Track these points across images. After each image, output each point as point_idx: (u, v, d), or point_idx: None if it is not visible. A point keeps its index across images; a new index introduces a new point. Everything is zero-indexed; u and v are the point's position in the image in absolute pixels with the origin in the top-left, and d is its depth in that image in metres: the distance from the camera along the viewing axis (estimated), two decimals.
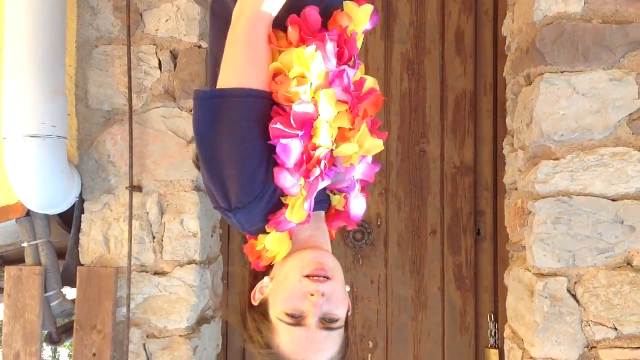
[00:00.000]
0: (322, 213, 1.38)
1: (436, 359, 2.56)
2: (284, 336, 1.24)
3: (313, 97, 1.23)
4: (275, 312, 1.25)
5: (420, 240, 2.60)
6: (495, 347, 2.47)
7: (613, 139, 1.95)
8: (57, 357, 9.71)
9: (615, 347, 1.93)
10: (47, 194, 2.12)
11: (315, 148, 1.23)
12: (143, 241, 2.21)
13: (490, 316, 2.50)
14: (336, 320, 1.24)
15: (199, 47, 2.22)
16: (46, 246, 2.26)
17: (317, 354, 1.24)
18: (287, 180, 1.22)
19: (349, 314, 1.33)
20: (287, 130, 1.20)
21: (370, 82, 1.32)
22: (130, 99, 2.18)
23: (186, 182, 2.20)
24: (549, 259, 1.96)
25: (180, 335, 2.21)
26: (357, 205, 1.37)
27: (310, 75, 1.22)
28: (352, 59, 1.28)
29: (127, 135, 2.18)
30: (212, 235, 2.41)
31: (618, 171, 1.94)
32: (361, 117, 1.26)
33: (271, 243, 1.29)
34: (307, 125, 1.22)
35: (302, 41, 1.24)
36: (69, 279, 2.29)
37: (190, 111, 2.21)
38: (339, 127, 1.26)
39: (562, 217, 1.95)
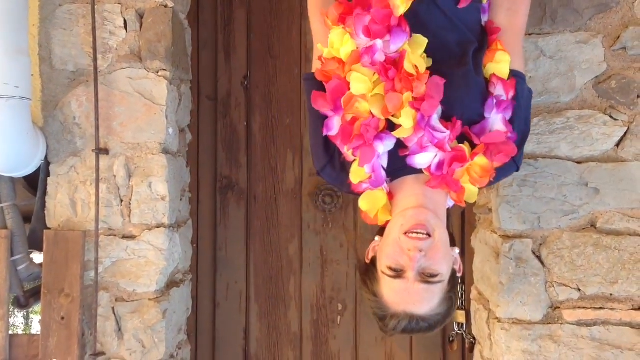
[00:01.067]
0: (423, 177, 1.42)
1: None
2: (386, 287, 1.37)
3: (345, 75, 1.38)
4: (381, 266, 1.38)
5: None
6: (462, 309, 2.50)
7: (579, 102, 1.97)
8: (29, 323, 9.66)
9: (579, 307, 1.97)
10: (12, 157, 2.08)
11: (353, 120, 1.38)
12: (111, 205, 2.19)
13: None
14: (436, 276, 1.33)
15: (165, 6, 2.17)
16: (12, 210, 2.23)
17: (416, 304, 1.34)
18: (341, 149, 1.43)
19: (459, 274, 1.48)
20: (324, 107, 1.40)
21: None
22: (95, 60, 2.14)
23: (154, 144, 2.18)
24: (515, 222, 1.98)
25: (149, 299, 2.20)
26: (419, 163, 1.40)
27: (341, 54, 1.38)
28: (394, 30, 1.34)
29: (92, 97, 2.14)
30: (181, 199, 2.40)
31: (583, 134, 1.96)
32: (400, 89, 1.33)
33: (362, 203, 1.46)
34: (339, 101, 1.38)
35: (342, 20, 1.38)
36: (36, 243, 2.26)
37: (157, 72, 2.18)
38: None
39: (528, 180, 1.97)
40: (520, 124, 1.49)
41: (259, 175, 2.67)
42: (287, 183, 2.64)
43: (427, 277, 1.32)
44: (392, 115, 1.35)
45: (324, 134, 1.43)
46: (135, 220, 2.19)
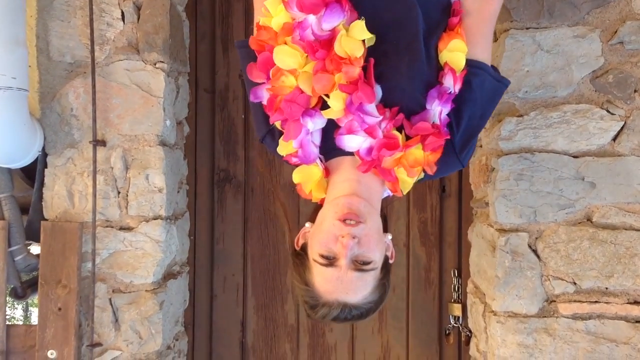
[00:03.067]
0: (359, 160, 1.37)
1: (401, 313, 2.60)
2: (318, 276, 1.32)
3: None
4: (312, 254, 1.33)
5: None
6: (458, 302, 2.51)
7: (576, 96, 1.97)
8: (28, 315, 9.68)
9: (574, 301, 1.98)
10: (9, 148, 2.08)
11: (277, 93, 1.33)
12: (108, 196, 2.19)
13: (454, 272, 2.53)
14: (369, 263, 1.30)
15: None
16: (9, 201, 2.24)
17: (348, 293, 1.30)
18: (273, 120, 1.37)
19: (391, 261, 1.42)
20: (259, 78, 1.35)
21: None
22: (92, 51, 2.14)
23: (151, 136, 2.18)
24: (511, 215, 1.99)
25: (146, 290, 2.20)
26: (348, 145, 1.35)
27: (272, 24, 1.32)
28: (330, 6, 1.28)
29: (90, 89, 2.14)
30: (178, 191, 2.40)
31: (580, 128, 1.96)
32: (332, 70, 1.28)
33: (296, 175, 1.42)
34: (269, 72, 1.33)
35: None
36: (33, 234, 2.26)
37: (155, 64, 2.18)
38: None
39: (524, 174, 1.97)
40: (472, 119, 1.40)
41: (257, 168, 2.67)
42: (284, 176, 2.64)
43: (360, 265, 1.29)
44: (326, 95, 1.31)
45: (251, 100, 1.39)
46: (132, 212, 2.19)
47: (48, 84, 2.21)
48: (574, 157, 1.97)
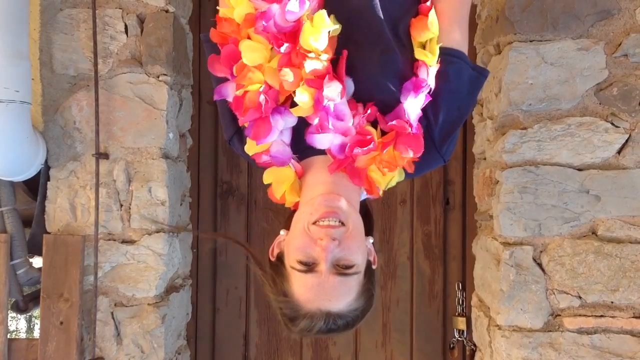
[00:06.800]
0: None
1: (405, 327, 2.58)
2: (297, 284, 1.21)
3: (241, 39, 1.23)
4: (289, 261, 1.23)
5: (390, 209, 2.60)
6: (462, 315, 2.50)
7: (580, 109, 1.97)
8: (32, 327, 9.66)
9: (580, 315, 1.96)
10: (12, 161, 2.08)
11: (245, 89, 1.23)
12: (110, 209, 2.18)
13: (458, 285, 2.52)
14: (351, 267, 1.19)
15: (166, 11, 2.18)
16: (11, 214, 2.23)
17: (331, 300, 1.20)
18: (243, 121, 1.26)
19: (374, 267, 1.31)
20: (222, 72, 1.25)
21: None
22: (96, 64, 2.14)
23: (154, 149, 2.17)
24: (516, 228, 1.97)
25: (148, 304, 2.19)
26: (319, 142, 1.25)
27: (233, 15, 1.23)
28: None
29: (93, 102, 2.14)
30: (181, 204, 2.40)
31: (584, 141, 1.95)
32: (298, 64, 1.19)
33: (266, 176, 1.31)
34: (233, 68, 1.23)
35: None
36: (35, 247, 2.26)
37: (158, 77, 2.18)
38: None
39: (529, 187, 1.96)
40: (451, 111, 1.30)
41: (260, 180, 2.64)
42: None
43: (341, 269, 1.18)
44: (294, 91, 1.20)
45: (215, 98, 1.28)
46: (134, 225, 2.18)
47: (51, 97, 2.21)
48: (579, 170, 1.96)
